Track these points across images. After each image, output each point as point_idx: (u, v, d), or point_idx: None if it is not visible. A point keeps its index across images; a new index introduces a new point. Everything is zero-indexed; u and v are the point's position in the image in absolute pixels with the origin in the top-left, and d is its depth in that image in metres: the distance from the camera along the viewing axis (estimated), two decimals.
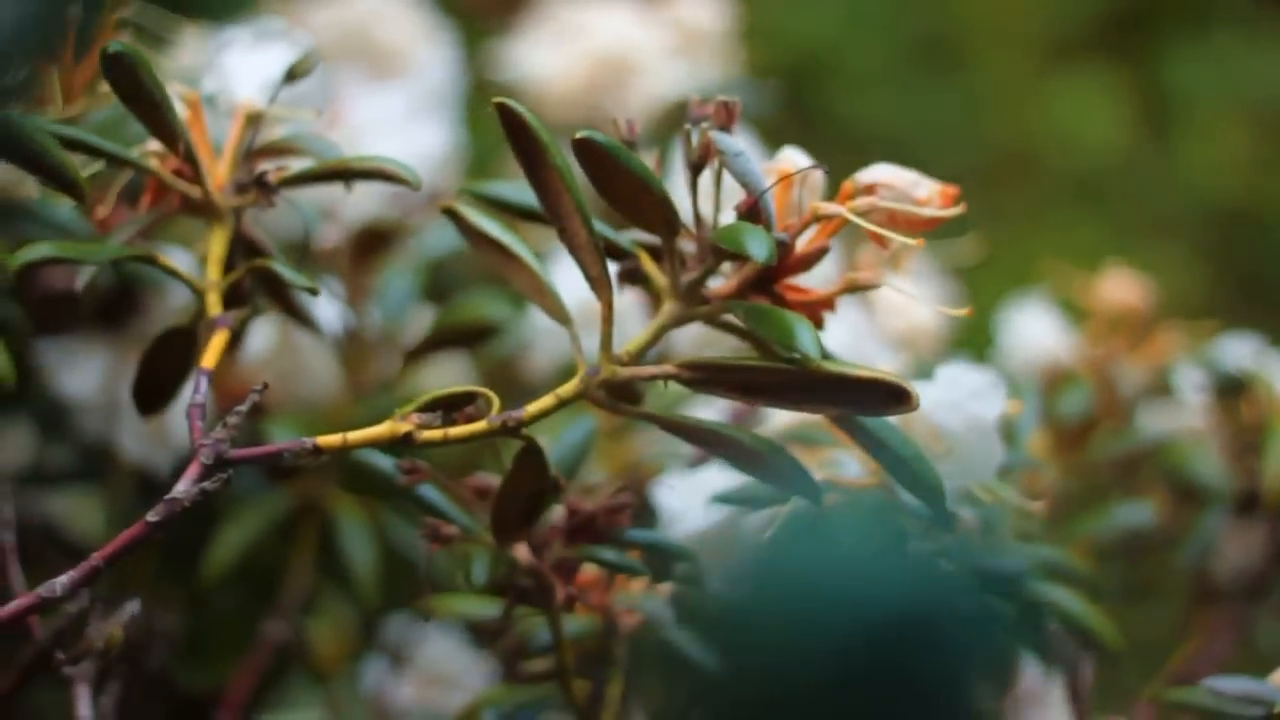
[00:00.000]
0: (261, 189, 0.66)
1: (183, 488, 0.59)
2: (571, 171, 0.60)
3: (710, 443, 0.63)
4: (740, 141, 0.62)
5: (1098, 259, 1.09)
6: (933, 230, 0.64)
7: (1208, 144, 2.32)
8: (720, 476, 0.80)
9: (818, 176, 0.65)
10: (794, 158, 0.66)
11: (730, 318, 0.63)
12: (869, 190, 0.64)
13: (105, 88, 0.64)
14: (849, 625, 0.45)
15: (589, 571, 0.71)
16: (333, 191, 0.73)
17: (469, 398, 0.61)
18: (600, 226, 0.62)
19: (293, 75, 0.68)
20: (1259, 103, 2.35)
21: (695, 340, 0.88)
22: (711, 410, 0.86)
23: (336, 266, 0.92)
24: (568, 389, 0.61)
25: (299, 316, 0.71)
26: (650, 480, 0.80)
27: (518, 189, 0.67)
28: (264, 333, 0.88)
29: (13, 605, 0.58)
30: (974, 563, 0.69)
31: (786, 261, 0.63)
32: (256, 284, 0.70)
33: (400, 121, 1.10)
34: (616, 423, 0.93)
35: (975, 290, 1.07)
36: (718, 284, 0.63)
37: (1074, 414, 0.99)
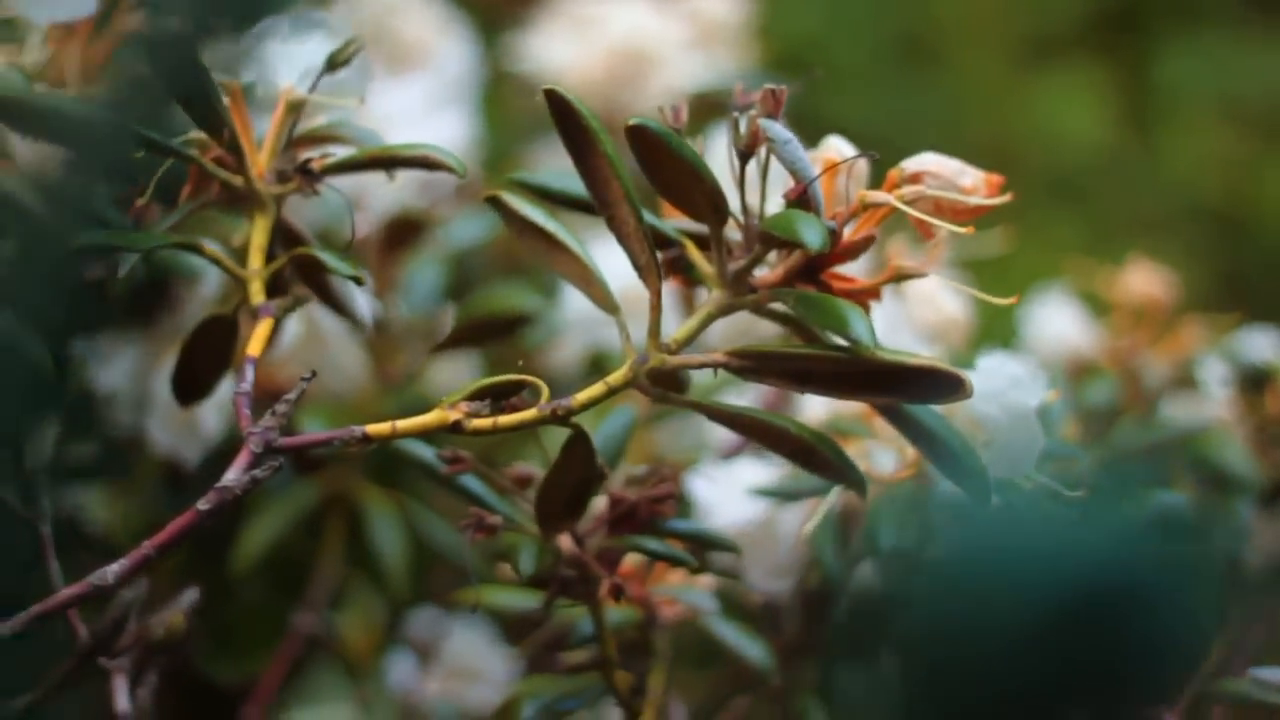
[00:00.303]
0: (305, 176, 0.65)
1: (233, 476, 0.58)
2: (621, 158, 0.60)
3: (756, 432, 0.63)
4: (787, 130, 0.61)
5: (1080, 257, 1.09)
6: (978, 219, 0.64)
7: (1192, 142, 2.31)
8: (754, 469, 0.80)
9: (863, 165, 0.65)
10: (839, 146, 0.66)
11: (777, 306, 0.63)
12: (915, 179, 0.64)
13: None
14: (1090, 589, 0.45)
15: (627, 562, 0.71)
16: (361, 181, 0.73)
17: (517, 386, 0.61)
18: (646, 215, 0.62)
19: (334, 63, 0.67)
20: (1244, 100, 2.34)
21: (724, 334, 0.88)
22: (745, 399, 0.86)
23: (364, 257, 0.91)
24: (617, 377, 0.61)
25: (338, 306, 0.70)
26: (683, 472, 0.80)
27: (560, 177, 0.67)
28: (290, 325, 0.88)
29: (65, 593, 0.57)
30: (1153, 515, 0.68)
31: (834, 250, 0.62)
32: (295, 273, 0.69)
33: (418, 114, 1.10)
34: (641, 415, 0.93)
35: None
36: (762, 273, 0.63)
37: (1099, 406, 0.99)
